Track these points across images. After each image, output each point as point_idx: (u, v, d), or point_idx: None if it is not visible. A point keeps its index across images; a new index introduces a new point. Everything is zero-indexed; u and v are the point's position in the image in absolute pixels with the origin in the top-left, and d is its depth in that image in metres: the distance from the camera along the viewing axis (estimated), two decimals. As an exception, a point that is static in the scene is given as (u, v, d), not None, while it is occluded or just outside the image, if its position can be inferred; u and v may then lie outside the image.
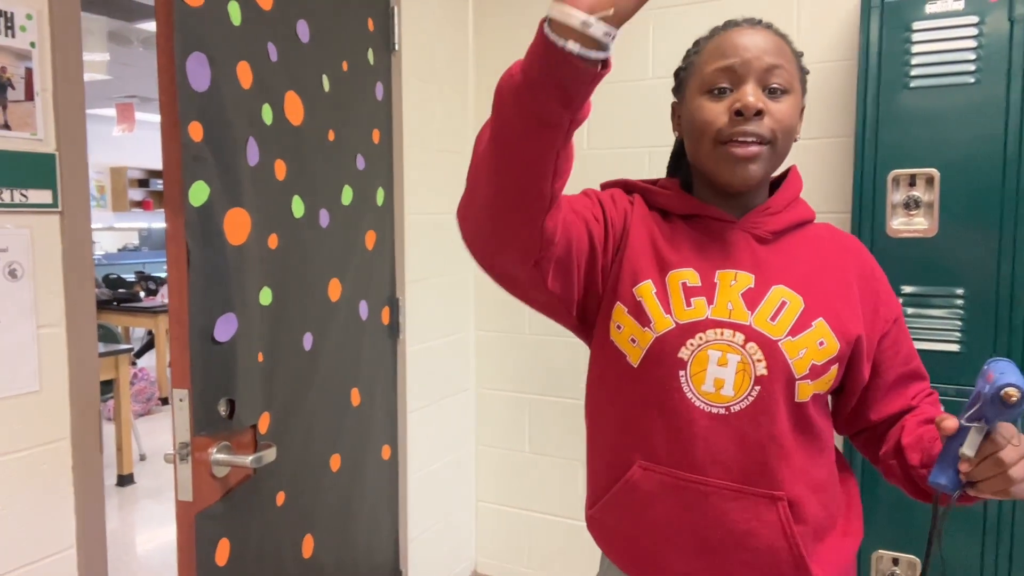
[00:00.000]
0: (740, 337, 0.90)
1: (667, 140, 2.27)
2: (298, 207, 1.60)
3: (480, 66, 2.53)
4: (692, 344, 0.91)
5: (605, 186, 1.09)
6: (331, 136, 1.74)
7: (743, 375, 0.90)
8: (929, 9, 1.67)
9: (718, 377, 0.90)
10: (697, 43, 0.99)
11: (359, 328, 1.91)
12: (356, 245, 1.89)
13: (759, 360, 0.90)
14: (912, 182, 1.72)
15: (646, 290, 0.94)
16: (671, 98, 2.20)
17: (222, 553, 1.35)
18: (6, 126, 1.19)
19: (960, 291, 1.68)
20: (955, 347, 1.69)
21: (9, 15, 1.18)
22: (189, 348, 1.25)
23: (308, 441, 1.66)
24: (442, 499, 2.44)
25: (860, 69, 1.74)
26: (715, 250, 0.96)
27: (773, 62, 0.91)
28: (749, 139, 0.90)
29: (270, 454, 1.36)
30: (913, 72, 1.69)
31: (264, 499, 1.47)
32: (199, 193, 1.27)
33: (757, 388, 0.90)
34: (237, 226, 1.37)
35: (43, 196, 1.24)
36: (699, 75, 0.95)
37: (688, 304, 0.92)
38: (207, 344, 1.29)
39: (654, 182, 1.06)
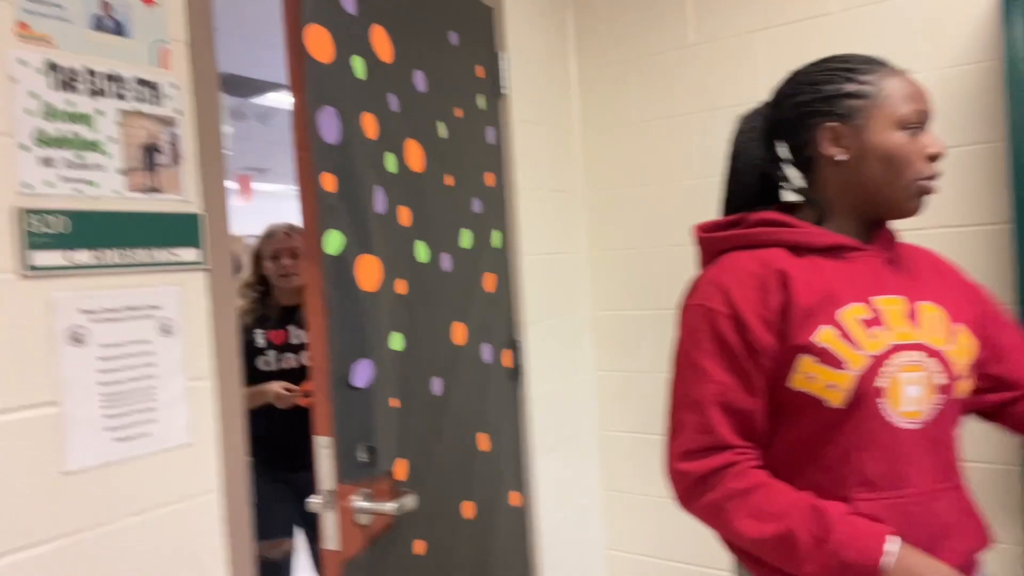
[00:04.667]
0: (920, 355, 1.00)
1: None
2: (422, 252, 1.62)
3: (585, 106, 2.52)
4: (885, 372, 0.98)
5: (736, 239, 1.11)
6: (449, 181, 1.76)
7: (929, 389, 1.00)
8: (1084, -7, 1.52)
9: (912, 396, 0.99)
10: (856, 72, 1.05)
11: (483, 371, 1.89)
12: (476, 288, 1.88)
13: (938, 371, 1.01)
14: (1081, 182, 1.56)
15: (828, 336, 0.99)
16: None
17: (367, 604, 1.33)
18: (156, 189, 1.25)
19: None
20: None
21: (155, 85, 1.26)
22: (330, 395, 1.26)
23: (442, 488, 1.63)
24: (572, 548, 2.36)
25: (1006, 70, 1.61)
26: (861, 279, 1.04)
27: None
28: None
29: (411, 501, 1.34)
30: (1071, 62, 1.54)
31: (405, 548, 1.45)
32: (334, 242, 1.29)
33: (941, 396, 1.01)
34: (369, 272, 1.38)
35: (191, 254, 1.29)
36: (890, 109, 1.03)
37: (871, 336, 0.99)
38: (345, 390, 1.30)
39: (774, 221, 1.08)
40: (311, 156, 1.25)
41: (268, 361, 2.43)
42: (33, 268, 1.08)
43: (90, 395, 1.14)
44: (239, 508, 1.35)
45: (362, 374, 1.33)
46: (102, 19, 1.18)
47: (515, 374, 2.07)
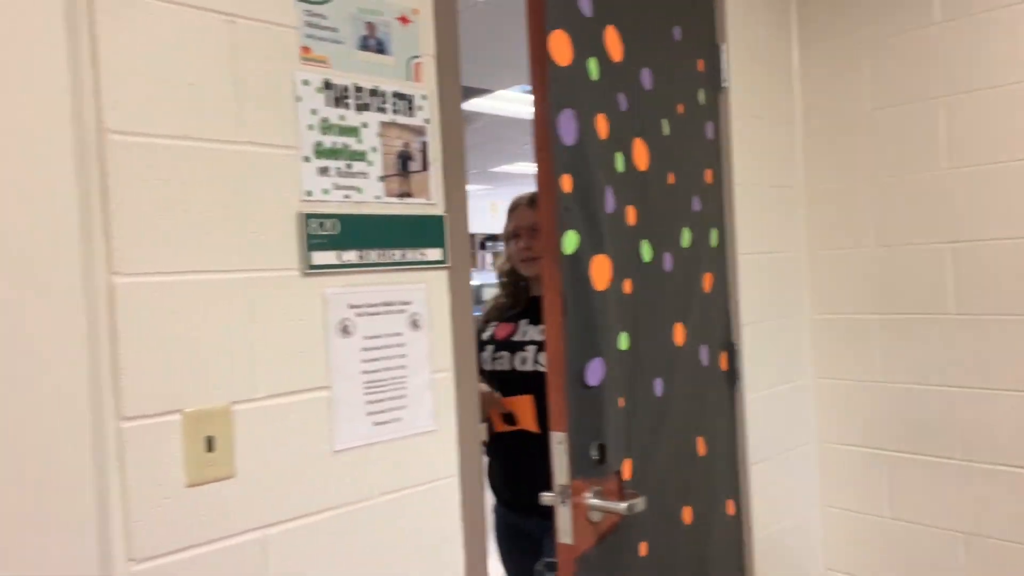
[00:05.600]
0: None
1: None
2: (646, 251, 1.60)
3: (806, 96, 2.37)
4: None
5: None
6: (671, 179, 1.73)
7: None
8: None
9: None
10: None
11: (701, 374, 1.84)
12: (695, 288, 1.84)
13: None
14: None
15: None
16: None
17: (595, 600, 1.35)
18: (408, 193, 1.35)
19: None
20: None
21: (409, 97, 1.35)
22: (566, 393, 1.28)
23: (663, 491, 1.61)
24: (789, 564, 2.23)
25: None
26: None
27: None
28: None
29: (641, 502, 1.33)
30: None
31: (631, 548, 1.45)
32: (570, 242, 1.32)
33: None
34: (601, 272, 1.39)
35: (435, 254, 1.38)
36: None
37: None
38: (580, 388, 1.32)
39: None
40: (551, 158, 1.28)
41: (483, 359, 1.98)
42: (312, 267, 1.20)
43: (355, 382, 1.25)
44: (475, 493, 1.42)
45: (594, 372, 1.35)
46: (367, 39, 1.29)
47: (732, 377, 2.00)
